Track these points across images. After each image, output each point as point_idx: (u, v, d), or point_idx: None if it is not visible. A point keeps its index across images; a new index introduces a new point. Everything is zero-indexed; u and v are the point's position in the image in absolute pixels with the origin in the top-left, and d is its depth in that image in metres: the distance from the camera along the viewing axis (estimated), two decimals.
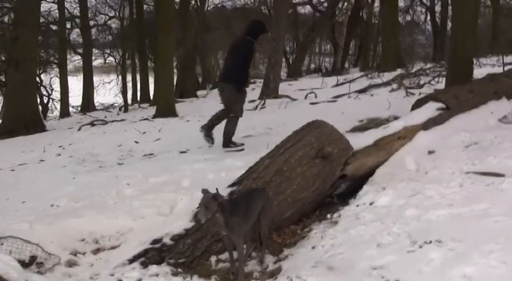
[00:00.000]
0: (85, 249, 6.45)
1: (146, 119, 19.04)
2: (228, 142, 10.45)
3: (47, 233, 6.53)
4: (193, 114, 18.46)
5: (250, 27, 10.57)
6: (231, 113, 10.58)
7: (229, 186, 6.00)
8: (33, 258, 6.13)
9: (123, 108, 28.27)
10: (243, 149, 10.11)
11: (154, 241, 5.72)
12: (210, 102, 23.75)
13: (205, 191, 4.93)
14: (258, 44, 14.59)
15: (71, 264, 6.11)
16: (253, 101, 19.15)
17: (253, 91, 22.04)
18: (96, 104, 35.14)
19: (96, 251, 6.38)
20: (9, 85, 23.24)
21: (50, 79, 35.49)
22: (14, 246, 6.18)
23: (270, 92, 19.86)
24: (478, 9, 12.35)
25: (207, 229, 5.60)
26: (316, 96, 18.20)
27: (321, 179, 6.08)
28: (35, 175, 10.61)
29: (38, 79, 30.44)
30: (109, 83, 40.05)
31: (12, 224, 6.81)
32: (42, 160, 12.48)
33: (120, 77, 37.39)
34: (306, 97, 18.51)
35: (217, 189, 5.04)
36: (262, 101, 18.20)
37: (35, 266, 6.05)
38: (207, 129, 10.84)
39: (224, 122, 10.69)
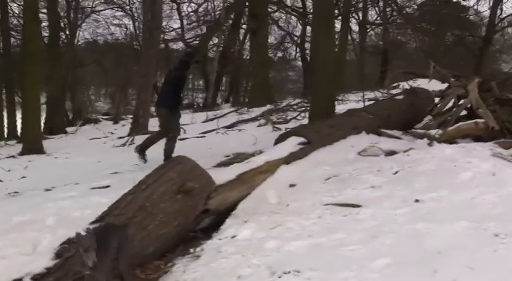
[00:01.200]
0: None
1: (12, 156, 18.52)
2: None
3: None
4: (61, 150, 18.19)
5: (181, 58, 12.56)
6: (169, 133, 11.52)
7: (92, 223, 5.93)
8: None
9: None
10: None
11: None
12: (79, 138, 23.48)
13: (79, 234, 4.92)
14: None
15: None
16: (121, 137, 19.03)
17: (123, 127, 21.93)
18: None
19: None
20: None
21: None
22: None
23: (139, 128, 19.86)
24: (333, 48, 12.86)
25: (68, 267, 5.50)
26: (185, 132, 18.28)
27: (184, 214, 6.11)
28: None
29: None
30: None
31: None
32: None
33: None
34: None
35: (88, 228, 5.03)
36: (131, 138, 18.11)
37: None
38: (140, 151, 11.94)
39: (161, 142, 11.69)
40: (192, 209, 6.22)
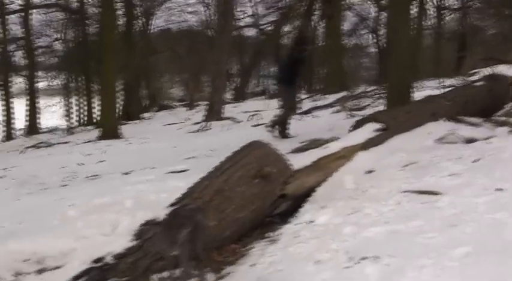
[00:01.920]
0: (29, 269, 6.42)
1: (90, 141, 18.95)
2: (275, 125, 13.14)
3: None
4: (138, 136, 18.53)
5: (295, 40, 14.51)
6: (288, 107, 13.04)
7: (169, 206, 6.04)
8: None
9: (67, 131, 28.06)
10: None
11: (96, 260, 5.74)
12: (154, 124, 23.83)
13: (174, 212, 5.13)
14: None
15: None
16: (196, 123, 19.24)
17: (197, 113, 22.16)
18: (41, 126, 34.66)
19: (40, 272, 6.35)
20: None
21: None
22: None
23: (213, 114, 20.03)
24: (409, 33, 12.68)
25: (147, 249, 5.64)
26: (259, 119, 18.35)
27: (261, 199, 6.16)
28: None
29: None
30: (54, 105, 39.53)
31: None
32: None
33: (65, 100, 36.99)
34: (249, 119, 18.65)
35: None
36: (206, 124, 18.29)
37: None
38: (272, 127, 13.23)
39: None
40: (269, 193, 6.25)
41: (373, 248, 4.76)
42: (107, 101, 20.69)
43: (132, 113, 29.52)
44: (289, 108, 13.19)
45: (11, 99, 32.96)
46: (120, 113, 30.30)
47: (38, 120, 34.27)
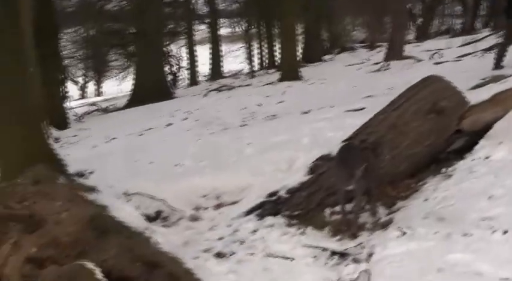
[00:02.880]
0: (207, 204, 6.81)
1: (271, 83, 19.28)
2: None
3: (171, 190, 6.95)
4: (317, 77, 18.63)
5: None
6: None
7: (345, 140, 6.11)
8: (158, 213, 6.54)
9: (249, 75, 28.73)
10: None
11: (271, 194, 6.00)
12: (335, 65, 23.85)
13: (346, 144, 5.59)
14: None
15: (194, 218, 6.47)
16: (376, 63, 19.08)
17: (378, 54, 21.93)
18: (224, 71, 35.65)
19: (218, 206, 6.71)
20: (138, 56, 24.26)
21: (179, 49, 36.36)
22: (141, 202, 6.61)
23: (394, 54, 19.70)
24: None
25: (321, 183, 5.78)
26: (440, 57, 17.86)
27: (435, 134, 6.05)
28: (161, 138, 11.06)
29: (166, 49, 31.34)
30: (236, 51, 40.46)
31: (140, 182, 7.28)
32: (169, 124, 12.97)
33: (246, 45, 37.76)
34: (430, 58, 18.21)
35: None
36: (387, 63, 18.07)
37: (160, 220, 6.47)
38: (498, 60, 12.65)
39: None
40: (444, 129, 6.12)
41: None
42: (287, 44, 20.93)
43: (313, 56, 29.58)
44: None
45: (194, 47, 34.07)
46: (301, 55, 30.55)
47: (221, 66, 35.23)
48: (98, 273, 3.83)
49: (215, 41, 34.54)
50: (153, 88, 21.70)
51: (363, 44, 34.97)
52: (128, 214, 4.94)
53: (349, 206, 5.42)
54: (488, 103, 6.44)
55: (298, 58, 23.41)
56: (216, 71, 33.90)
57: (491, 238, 4.10)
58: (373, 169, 5.42)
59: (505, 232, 4.08)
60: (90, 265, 3.85)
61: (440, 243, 4.28)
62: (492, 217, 4.34)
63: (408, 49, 21.37)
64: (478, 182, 5.12)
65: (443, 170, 5.86)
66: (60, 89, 19.26)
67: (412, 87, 6.41)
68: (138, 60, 24.74)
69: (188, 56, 33.64)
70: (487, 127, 6.35)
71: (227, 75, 33.15)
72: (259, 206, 5.90)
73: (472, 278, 3.69)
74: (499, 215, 4.32)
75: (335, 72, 20.24)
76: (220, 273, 4.77)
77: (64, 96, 20.19)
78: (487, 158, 5.69)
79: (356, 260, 4.66)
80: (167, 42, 32.72)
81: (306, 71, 21.24)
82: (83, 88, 47.29)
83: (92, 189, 5.38)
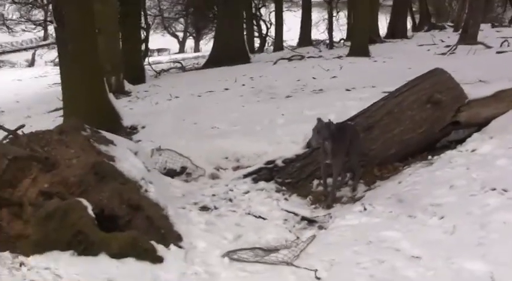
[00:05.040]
0: (227, 165, 7.54)
1: (340, 57, 19.45)
2: None
3: (198, 150, 7.72)
4: (385, 54, 18.67)
5: None
6: None
7: (343, 121, 6.63)
8: (183, 169, 7.37)
9: (328, 46, 28.96)
10: None
11: (268, 162, 6.67)
12: (409, 44, 23.78)
13: (319, 119, 5.84)
14: None
15: (213, 176, 7.21)
16: (448, 46, 19.07)
17: (456, 36, 21.76)
18: (313, 40, 35.59)
19: (236, 168, 7.41)
20: (218, 20, 24.93)
21: (269, 14, 36.80)
22: (169, 157, 7.41)
23: (467, 37, 19.43)
24: None
25: (315, 156, 6.34)
26: (508, 45, 17.72)
27: (429, 123, 6.49)
28: (214, 102, 11.64)
29: (257, 13, 31.74)
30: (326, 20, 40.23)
31: (175, 140, 8.07)
32: (226, 89, 13.49)
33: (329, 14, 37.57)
34: (501, 45, 18.06)
35: (329, 119, 5.88)
36: (454, 47, 18.04)
37: (184, 175, 7.29)
38: None
39: None
40: (439, 119, 6.54)
41: (509, 182, 4.86)
42: (359, 19, 20.99)
43: (398, 31, 29.53)
44: None
45: (282, 12, 34.32)
46: (386, 30, 30.62)
47: (310, 34, 35.32)
48: (90, 209, 4.62)
49: (306, 8, 34.65)
50: (230, 51, 22.10)
51: (451, 24, 34.54)
52: (131, 165, 5.62)
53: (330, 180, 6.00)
54: (491, 99, 6.76)
55: (381, 34, 23.34)
56: (304, 38, 34.03)
57: (428, 221, 4.59)
58: (355, 148, 5.97)
59: (441, 218, 4.54)
60: (85, 202, 4.64)
61: (385, 221, 4.80)
62: (441, 204, 4.80)
63: (485, 34, 21.10)
64: (450, 172, 5.51)
65: (429, 157, 6.30)
66: (141, 46, 20.07)
67: (417, 78, 6.85)
68: (218, 23, 25.36)
69: (275, 21, 33.97)
70: (487, 122, 6.68)
71: (315, 43, 33.21)
72: (257, 172, 6.57)
73: (390, 253, 4.19)
74: (447, 203, 4.78)
75: (404, 51, 20.17)
76: (197, 222, 5.42)
77: (145, 54, 21.17)
78: (473, 151, 6.03)
79: (320, 227, 5.22)
80: (259, 6, 33.25)
81: (379, 47, 21.36)
82: (182, 42, 48.86)
83: (111, 141, 6.09)
